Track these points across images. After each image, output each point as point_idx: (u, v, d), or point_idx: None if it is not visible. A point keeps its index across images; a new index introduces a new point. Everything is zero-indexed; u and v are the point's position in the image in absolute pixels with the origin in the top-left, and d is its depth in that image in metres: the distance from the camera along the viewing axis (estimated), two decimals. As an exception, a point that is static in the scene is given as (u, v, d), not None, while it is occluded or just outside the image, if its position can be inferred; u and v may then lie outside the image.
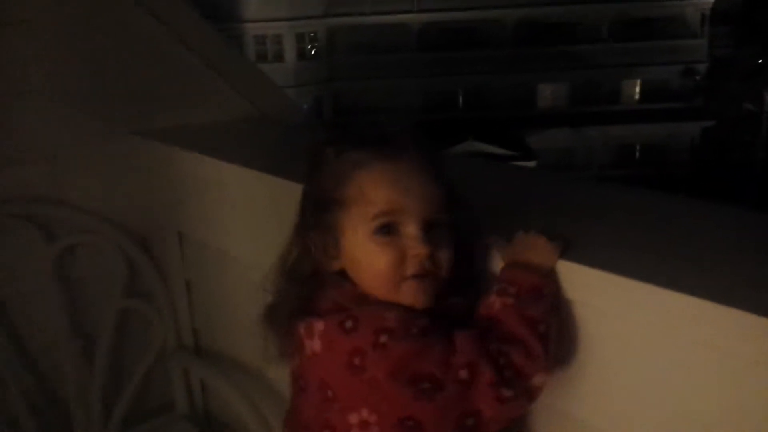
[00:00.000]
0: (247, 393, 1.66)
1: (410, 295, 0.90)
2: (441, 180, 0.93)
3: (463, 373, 0.84)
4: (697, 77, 20.45)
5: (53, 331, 1.83)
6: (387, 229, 0.90)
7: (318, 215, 0.94)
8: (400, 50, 20.33)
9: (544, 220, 1.02)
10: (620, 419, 0.94)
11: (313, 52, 20.12)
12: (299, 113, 2.52)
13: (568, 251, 0.94)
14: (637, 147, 20.36)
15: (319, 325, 0.89)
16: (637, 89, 20.81)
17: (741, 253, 0.95)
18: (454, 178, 0.96)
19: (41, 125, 1.76)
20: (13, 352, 1.81)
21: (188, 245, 1.89)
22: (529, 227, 0.98)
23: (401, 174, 0.90)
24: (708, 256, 0.94)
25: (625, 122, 19.65)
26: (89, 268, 1.88)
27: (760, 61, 21.57)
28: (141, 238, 1.90)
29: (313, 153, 0.97)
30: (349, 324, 0.87)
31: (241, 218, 1.62)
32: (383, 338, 0.84)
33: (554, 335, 0.91)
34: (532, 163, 16.54)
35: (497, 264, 0.99)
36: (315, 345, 0.90)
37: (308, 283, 0.96)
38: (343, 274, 0.95)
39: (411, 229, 0.90)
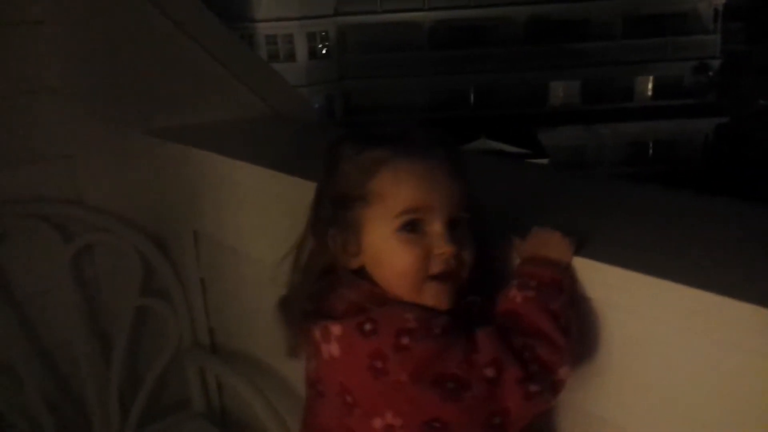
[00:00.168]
0: (263, 390, 1.67)
1: (433, 296, 0.89)
2: (464, 178, 0.92)
3: (489, 371, 0.83)
4: (710, 73, 20.29)
5: (70, 330, 1.84)
6: (411, 227, 0.88)
7: (338, 211, 0.92)
8: (411, 48, 20.32)
9: (559, 217, 1.02)
10: (641, 416, 0.94)
11: (324, 51, 20.15)
12: (312, 111, 2.53)
13: (585, 248, 0.94)
14: (650, 144, 20.24)
15: (336, 329, 0.87)
16: (650, 86, 20.69)
17: (758, 248, 0.94)
18: (469, 175, 0.95)
19: (56, 125, 1.77)
20: (31, 351, 1.83)
21: (203, 244, 1.90)
22: (544, 224, 0.98)
23: (426, 171, 0.89)
24: (725, 252, 0.93)
25: (637, 119, 19.54)
26: (105, 268, 1.90)
27: (773, 57, 21.37)
28: (156, 237, 1.91)
29: (333, 149, 0.95)
30: (368, 327, 0.84)
31: (256, 216, 1.63)
32: (404, 340, 0.83)
33: (575, 330, 0.90)
34: (544, 161, 16.47)
35: (512, 262, 0.98)
36: (333, 349, 0.87)
37: (322, 280, 0.94)
38: (359, 272, 0.93)
39: (436, 227, 0.88)
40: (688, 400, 0.87)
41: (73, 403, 1.90)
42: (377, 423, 0.85)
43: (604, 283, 0.92)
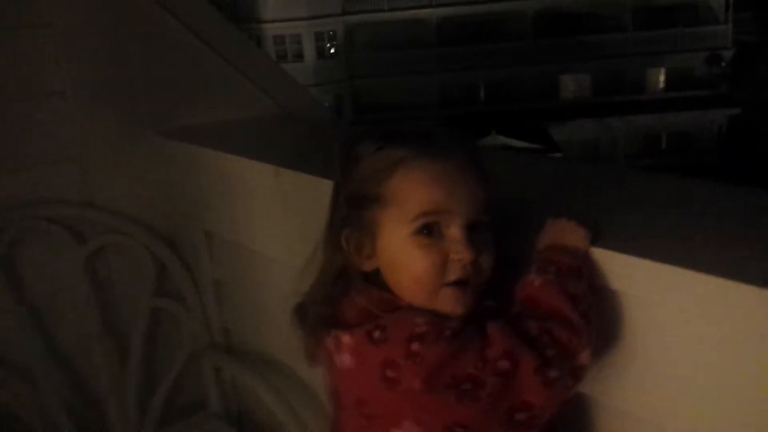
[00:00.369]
0: (280, 391, 1.66)
1: (449, 303, 0.86)
2: (485, 179, 0.89)
3: (503, 364, 0.80)
4: (723, 64, 20.13)
5: (86, 332, 1.85)
6: (428, 230, 0.85)
7: (353, 212, 0.89)
8: (419, 46, 20.26)
9: (574, 208, 1.00)
10: (662, 408, 0.92)
11: (332, 51, 20.16)
12: (322, 110, 2.53)
13: (602, 239, 0.92)
14: (663, 136, 20.10)
15: (347, 339, 0.85)
16: (662, 77, 20.54)
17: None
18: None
19: (67, 127, 1.78)
20: (47, 352, 1.83)
21: (216, 244, 1.89)
22: (559, 214, 0.96)
23: (445, 173, 0.85)
24: (744, 241, 0.91)
25: (649, 111, 19.40)
26: (119, 269, 1.90)
27: (786, 46, 21.16)
28: (169, 238, 1.91)
29: (351, 146, 0.91)
30: (377, 334, 0.82)
31: (267, 216, 1.62)
32: (415, 346, 0.80)
33: (595, 319, 0.87)
34: (557, 156, 16.40)
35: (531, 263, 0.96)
36: (345, 360, 0.86)
37: (336, 284, 0.91)
38: (372, 276, 0.90)
39: (454, 232, 0.85)
40: (711, 390, 0.86)
41: (89, 405, 1.90)
42: None
43: (623, 273, 0.90)
